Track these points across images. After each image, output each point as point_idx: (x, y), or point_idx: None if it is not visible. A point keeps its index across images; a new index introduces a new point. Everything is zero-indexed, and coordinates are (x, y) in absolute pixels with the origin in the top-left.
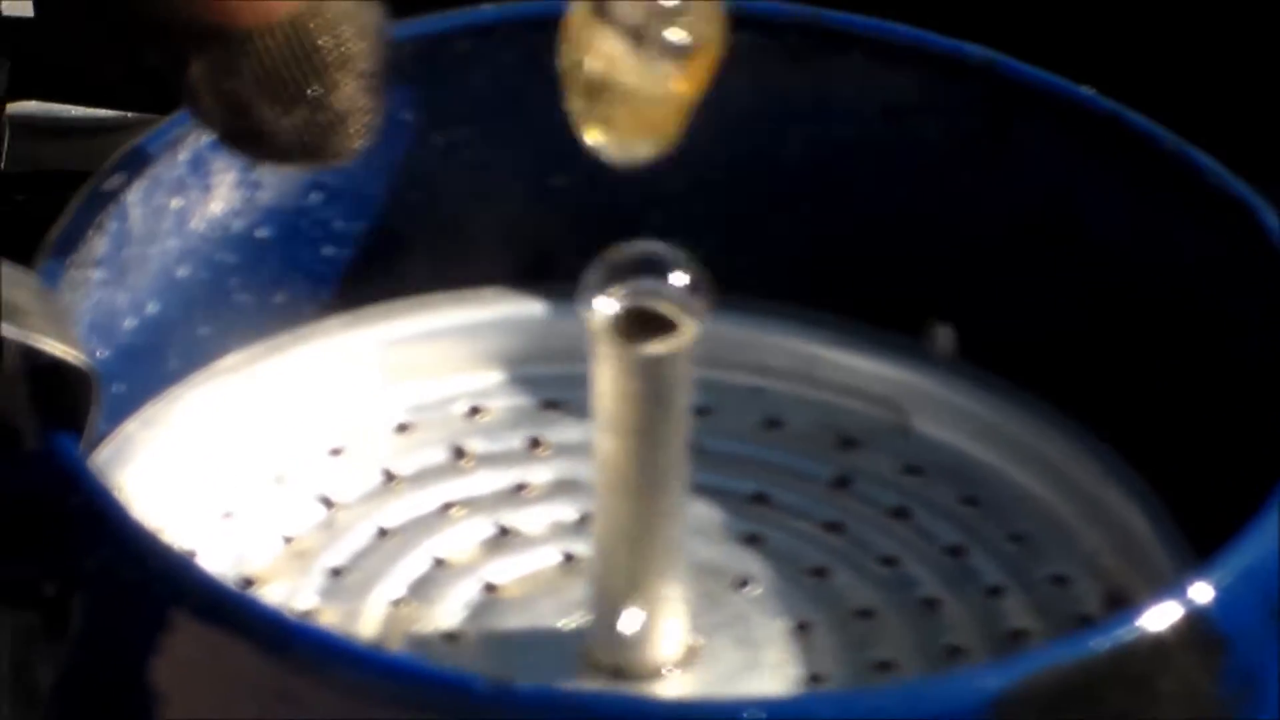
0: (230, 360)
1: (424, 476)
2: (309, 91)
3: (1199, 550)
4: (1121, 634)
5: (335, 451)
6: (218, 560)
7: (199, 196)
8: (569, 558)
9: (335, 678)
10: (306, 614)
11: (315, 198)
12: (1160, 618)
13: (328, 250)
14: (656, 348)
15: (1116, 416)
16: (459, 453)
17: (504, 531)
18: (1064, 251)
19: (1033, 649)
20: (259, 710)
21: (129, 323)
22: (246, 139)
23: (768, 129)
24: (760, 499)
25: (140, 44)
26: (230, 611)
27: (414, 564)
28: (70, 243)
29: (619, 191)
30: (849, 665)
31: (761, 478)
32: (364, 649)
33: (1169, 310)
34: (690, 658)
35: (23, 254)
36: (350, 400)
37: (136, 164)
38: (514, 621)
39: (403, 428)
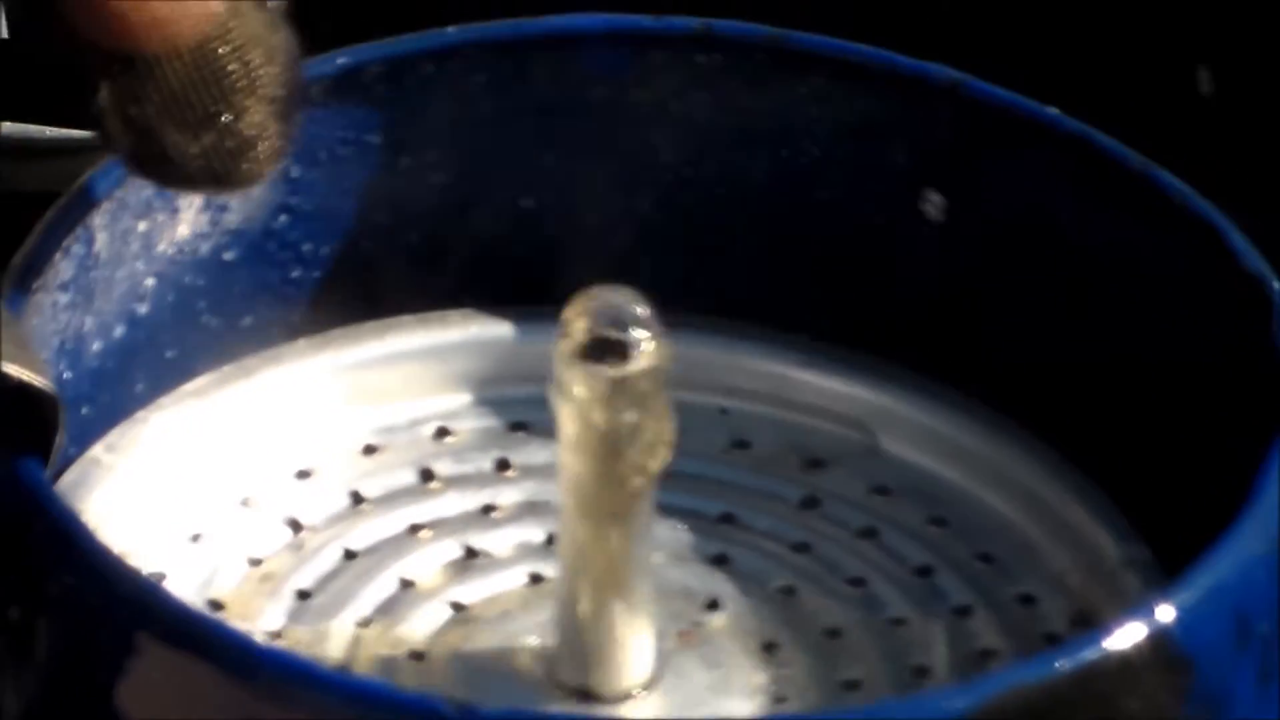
0: (198, 383)
1: (392, 498)
2: (216, 117)
3: (1166, 570)
4: (1087, 654)
5: (303, 474)
6: (185, 583)
7: (166, 219)
8: (536, 579)
9: (301, 701)
10: (274, 636)
11: (282, 220)
12: (1126, 638)
13: (295, 272)
14: (619, 370)
15: (1084, 437)
16: (427, 475)
17: (471, 553)
18: (1030, 273)
19: (999, 669)
20: None
21: (96, 346)
22: (153, 164)
23: (734, 150)
24: (728, 519)
25: (67, 64)
26: (197, 635)
27: (382, 586)
28: (36, 266)
29: (586, 214)
30: (817, 686)
31: (729, 498)
32: (330, 672)
33: (1136, 331)
34: (657, 679)
35: None
36: (318, 422)
37: (103, 187)
38: (482, 643)
39: (370, 450)
